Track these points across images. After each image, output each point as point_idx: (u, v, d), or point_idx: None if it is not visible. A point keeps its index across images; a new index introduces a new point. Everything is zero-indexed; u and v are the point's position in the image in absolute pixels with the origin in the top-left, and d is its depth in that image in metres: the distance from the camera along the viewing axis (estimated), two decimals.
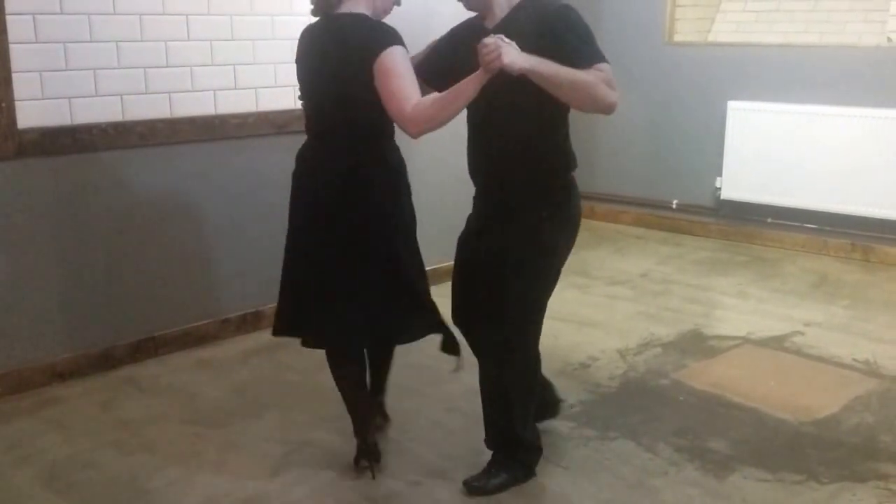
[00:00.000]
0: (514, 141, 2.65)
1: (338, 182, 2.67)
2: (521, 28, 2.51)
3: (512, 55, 2.31)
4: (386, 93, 2.49)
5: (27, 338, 3.55)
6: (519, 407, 2.82)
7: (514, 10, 2.61)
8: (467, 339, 2.94)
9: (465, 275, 2.87)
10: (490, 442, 2.90)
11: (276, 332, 2.92)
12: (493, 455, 2.89)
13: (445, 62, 2.71)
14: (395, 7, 2.82)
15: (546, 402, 3.15)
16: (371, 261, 2.71)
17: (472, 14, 2.77)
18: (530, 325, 2.79)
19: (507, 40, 2.34)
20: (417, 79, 2.60)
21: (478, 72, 2.37)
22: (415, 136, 2.51)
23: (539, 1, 2.61)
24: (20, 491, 2.83)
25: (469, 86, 2.39)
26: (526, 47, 2.38)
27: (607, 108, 2.49)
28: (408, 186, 2.81)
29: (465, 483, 2.82)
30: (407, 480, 2.89)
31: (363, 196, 2.66)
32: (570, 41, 2.48)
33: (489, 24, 2.63)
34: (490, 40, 2.33)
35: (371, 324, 2.75)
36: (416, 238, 2.85)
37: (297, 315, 2.82)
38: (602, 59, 2.48)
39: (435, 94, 2.50)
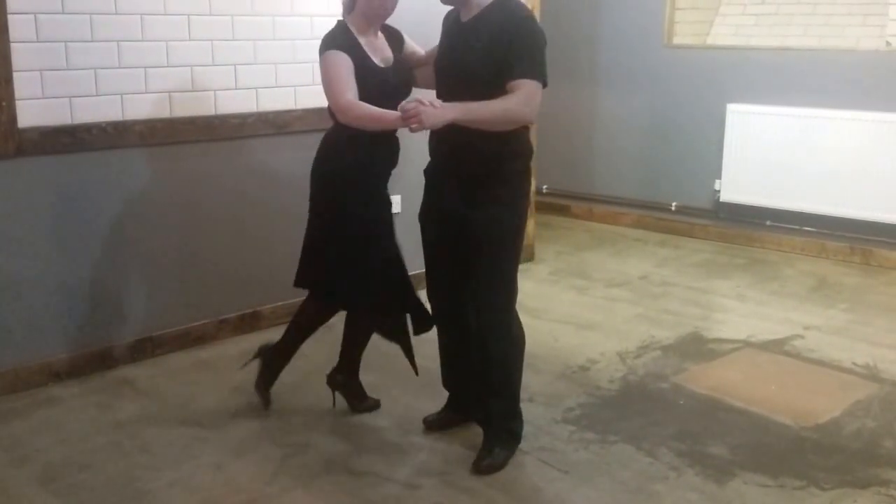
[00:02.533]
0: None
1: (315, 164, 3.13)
2: (486, 27, 2.75)
3: (431, 119, 2.59)
4: (323, 86, 2.92)
5: (24, 337, 3.53)
6: (518, 375, 3.03)
7: (487, 9, 2.78)
8: (445, 321, 3.10)
9: (447, 256, 3.00)
10: (486, 418, 3.02)
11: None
12: (486, 432, 3.02)
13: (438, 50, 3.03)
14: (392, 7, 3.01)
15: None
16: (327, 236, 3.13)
17: None
18: (515, 293, 2.98)
19: (426, 102, 2.60)
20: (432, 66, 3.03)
21: (399, 120, 2.66)
22: (341, 122, 2.92)
23: (508, 4, 2.80)
24: (17, 492, 2.82)
25: (391, 122, 2.73)
26: (487, 46, 2.70)
27: (522, 124, 2.78)
28: (370, 177, 3.07)
29: (474, 467, 2.93)
30: (406, 482, 2.88)
31: (324, 171, 3.10)
32: (516, 52, 2.70)
33: (464, 18, 2.84)
34: (410, 105, 2.60)
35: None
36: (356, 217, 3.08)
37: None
38: (534, 75, 2.70)
39: (369, 107, 2.82)
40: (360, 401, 3.37)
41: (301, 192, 3.16)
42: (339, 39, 2.93)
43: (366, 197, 3.06)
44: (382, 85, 2.91)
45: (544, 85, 2.75)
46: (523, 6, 2.84)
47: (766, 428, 3.26)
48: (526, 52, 2.71)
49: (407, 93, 3.03)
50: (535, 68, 2.71)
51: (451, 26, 2.91)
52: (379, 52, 3.01)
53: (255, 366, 3.38)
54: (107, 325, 3.75)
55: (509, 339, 2.97)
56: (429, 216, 3.05)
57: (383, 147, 3.04)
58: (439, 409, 3.27)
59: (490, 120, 2.71)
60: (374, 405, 3.38)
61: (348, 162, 3.03)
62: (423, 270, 3.12)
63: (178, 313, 3.96)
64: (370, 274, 3.08)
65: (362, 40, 2.97)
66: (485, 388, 3.00)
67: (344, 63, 2.86)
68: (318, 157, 3.12)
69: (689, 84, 6.00)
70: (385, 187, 3.14)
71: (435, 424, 3.22)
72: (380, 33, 3.06)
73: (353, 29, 2.98)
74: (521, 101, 2.68)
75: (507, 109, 2.69)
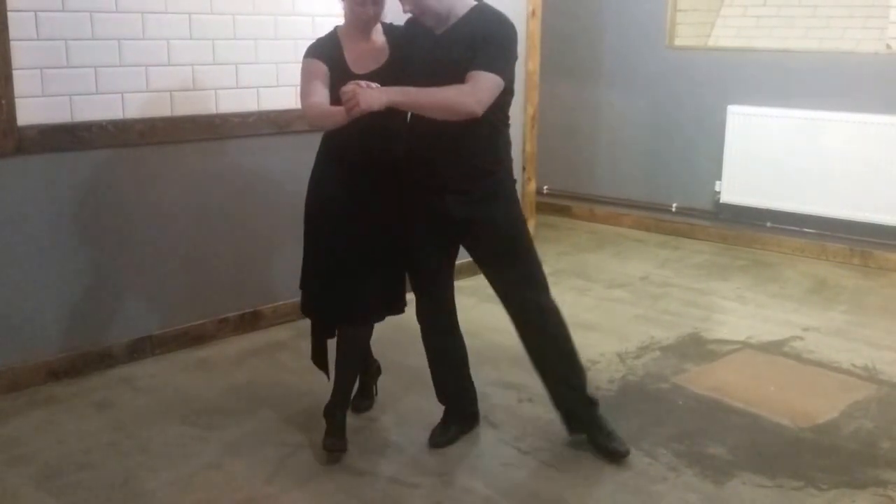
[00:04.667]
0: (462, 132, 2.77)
1: None
2: (464, 37, 2.71)
3: (368, 100, 2.59)
4: None
5: (22, 336, 3.53)
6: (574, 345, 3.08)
7: (464, 19, 2.75)
8: (435, 328, 3.12)
9: (438, 263, 3.02)
10: (565, 407, 3.10)
11: None
12: (583, 421, 3.09)
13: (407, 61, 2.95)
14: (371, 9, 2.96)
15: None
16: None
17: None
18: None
19: (363, 84, 2.61)
20: None
21: (343, 111, 2.65)
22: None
23: (485, 11, 2.79)
24: (15, 492, 2.81)
25: (337, 116, 2.72)
26: (466, 54, 2.66)
27: (466, 116, 2.66)
28: (318, 172, 3.10)
29: (614, 455, 3.01)
30: (406, 482, 2.88)
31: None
32: (483, 46, 2.68)
33: (438, 31, 2.80)
34: (349, 88, 2.61)
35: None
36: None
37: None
38: (492, 68, 2.65)
39: (322, 106, 2.85)
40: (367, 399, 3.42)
41: (302, 191, 3.16)
42: (318, 46, 2.97)
43: (312, 191, 3.11)
44: None
45: (505, 82, 2.69)
46: (499, 11, 2.80)
47: (764, 429, 3.26)
48: (490, 46, 2.67)
49: None
50: (494, 62, 2.66)
51: (423, 41, 2.83)
52: (367, 58, 2.95)
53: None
54: (106, 324, 3.75)
55: (558, 313, 3.02)
56: (417, 224, 2.98)
57: (335, 146, 3.04)
58: (439, 417, 3.24)
59: (430, 106, 2.68)
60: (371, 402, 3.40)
61: (316, 161, 3.13)
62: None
63: (178, 313, 3.96)
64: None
65: (349, 46, 2.94)
66: (552, 375, 3.04)
67: (312, 70, 2.92)
68: None
69: (690, 85, 6.00)
70: (338, 187, 3.04)
71: (441, 444, 3.13)
72: (381, 38, 3.00)
73: (342, 35, 2.97)
74: (467, 91, 2.63)
75: (449, 98, 2.64)
